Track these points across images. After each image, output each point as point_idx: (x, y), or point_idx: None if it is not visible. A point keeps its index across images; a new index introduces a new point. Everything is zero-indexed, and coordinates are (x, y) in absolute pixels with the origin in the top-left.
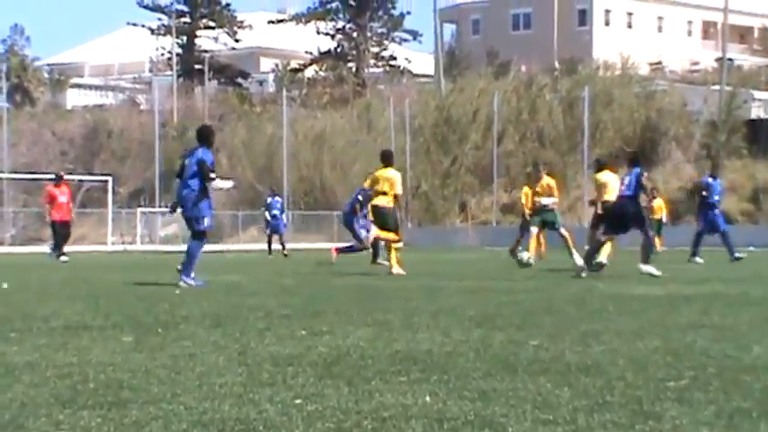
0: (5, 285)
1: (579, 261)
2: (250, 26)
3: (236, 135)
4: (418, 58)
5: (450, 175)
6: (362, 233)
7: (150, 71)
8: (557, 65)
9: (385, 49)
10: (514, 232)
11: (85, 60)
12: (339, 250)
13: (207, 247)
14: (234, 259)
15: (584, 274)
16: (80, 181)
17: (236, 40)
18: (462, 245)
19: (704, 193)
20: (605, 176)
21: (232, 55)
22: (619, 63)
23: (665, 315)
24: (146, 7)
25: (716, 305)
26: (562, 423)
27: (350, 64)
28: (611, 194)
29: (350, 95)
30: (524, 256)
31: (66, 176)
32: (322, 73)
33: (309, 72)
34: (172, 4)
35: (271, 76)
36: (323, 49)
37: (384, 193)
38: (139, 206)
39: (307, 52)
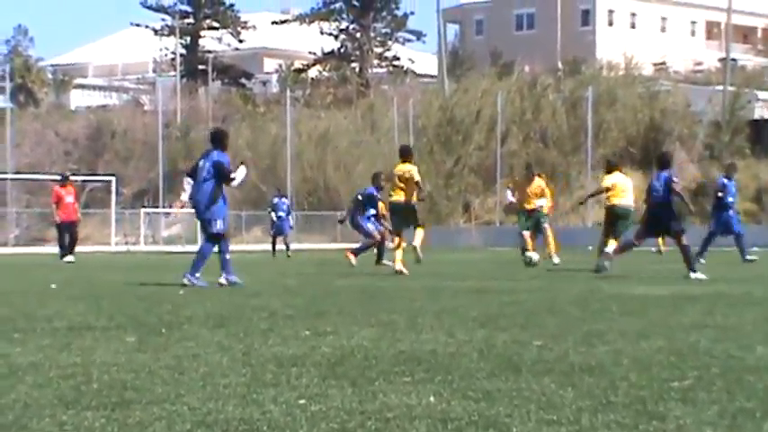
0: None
1: (535, 257)
2: (254, 27)
3: (240, 136)
4: (422, 59)
5: (453, 176)
6: (369, 228)
7: (154, 72)
8: (560, 65)
9: (388, 50)
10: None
11: (89, 61)
12: (354, 252)
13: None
14: (237, 260)
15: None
16: (83, 181)
17: (240, 41)
18: (466, 245)
19: (720, 193)
20: (613, 179)
21: (236, 55)
22: (622, 63)
23: (669, 315)
24: (149, 8)
25: (719, 305)
26: (566, 423)
27: (353, 64)
28: (620, 197)
29: (353, 96)
30: (534, 256)
31: (71, 177)
32: (325, 73)
33: (313, 72)
34: (175, 4)
35: (274, 77)
36: (326, 50)
37: (401, 189)
38: (143, 207)
39: (310, 53)
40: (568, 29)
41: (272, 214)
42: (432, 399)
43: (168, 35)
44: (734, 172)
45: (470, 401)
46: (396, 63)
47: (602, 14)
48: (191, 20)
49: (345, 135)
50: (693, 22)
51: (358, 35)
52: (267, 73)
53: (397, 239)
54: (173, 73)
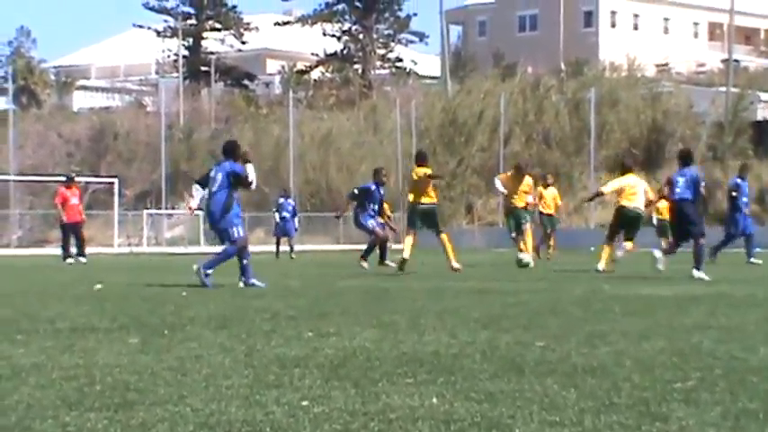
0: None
1: (526, 258)
2: (256, 28)
3: (243, 137)
4: (424, 60)
5: (456, 177)
6: (370, 225)
7: (156, 73)
8: (563, 66)
9: (391, 51)
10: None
11: (92, 62)
12: (363, 256)
13: (213, 249)
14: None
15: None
16: (86, 183)
17: (243, 42)
18: (468, 246)
19: (734, 193)
20: (623, 181)
21: (238, 57)
22: (625, 65)
23: (672, 316)
24: (152, 9)
25: (722, 306)
26: (569, 424)
27: (356, 66)
28: (629, 199)
29: (356, 97)
30: (525, 257)
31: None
32: (328, 75)
33: (316, 74)
34: (178, 6)
35: (277, 78)
36: (329, 51)
37: (420, 192)
38: (146, 208)
39: (313, 54)
40: (571, 30)
41: (276, 215)
42: (434, 400)
43: (171, 36)
44: (747, 172)
45: (473, 402)
46: (398, 64)
47: (604, 16)
48: (193, 21)
49: (348, 136)
50: (696, 24)
51: (361, 36)
52: (270, 74)
53: (410, 238)
54: (175, 74)
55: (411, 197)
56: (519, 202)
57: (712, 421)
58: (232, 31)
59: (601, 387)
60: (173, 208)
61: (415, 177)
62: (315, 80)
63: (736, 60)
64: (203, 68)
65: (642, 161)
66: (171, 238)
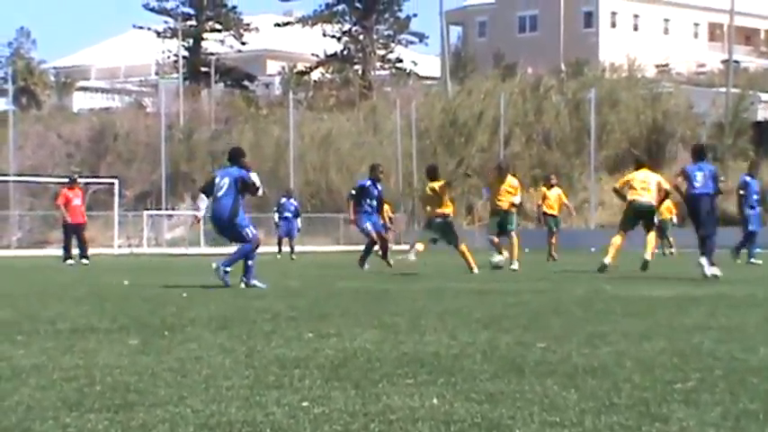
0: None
1: (497, 259)
2: (256, 29)
3: (243, 138)
4: (424, 61)
5: (456, 177)
6: (367, 227)
7: (156, 74)
8: (563, 67)
9: (391, 52)
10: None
11: (92, 63)
12: (363, 258)
13: (214, 250)
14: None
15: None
16: (86, 184)
17: (243, 43)
18: (469, 247)
19: (741, 191)
20: (635, 174)
21: (238, 58)
22: (625, 65)
23: (672, 317)
24: (152, 10)
25: (722, 307)
26: (569, 425)
27: (356, 66)
28: (638, 193)
29: (356, 98)
30: (496, 258)
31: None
32: (328, 75)
33: (316, 74)
34: (178, 6)
35: (277, 79)
36: (329, 52)
37: (435, 203)
38: (146, 209)
39: (313, 55)
40: (571, 31)
41: (276, 216)
42: (435, 401)
43: (171, 37)
44: (756, 170)
45: (473, 403)
46: (398, 65)
47: (604, 16)
48: (193, 22)
49: (348, 137)
50: (696, 24)
51: (361, 37)
52: (270, 75)
53: (420, 245)
54: (175, 75)
55: (427, 210)
56: (502, 203)
57: (713, 422)
58: (232, 32)
59: (601, 388)
60: (173, 209)
61: (428, 192)
62: (315, 81)
63: (737, 61)
64: (203, 69)
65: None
66: (171, 239)
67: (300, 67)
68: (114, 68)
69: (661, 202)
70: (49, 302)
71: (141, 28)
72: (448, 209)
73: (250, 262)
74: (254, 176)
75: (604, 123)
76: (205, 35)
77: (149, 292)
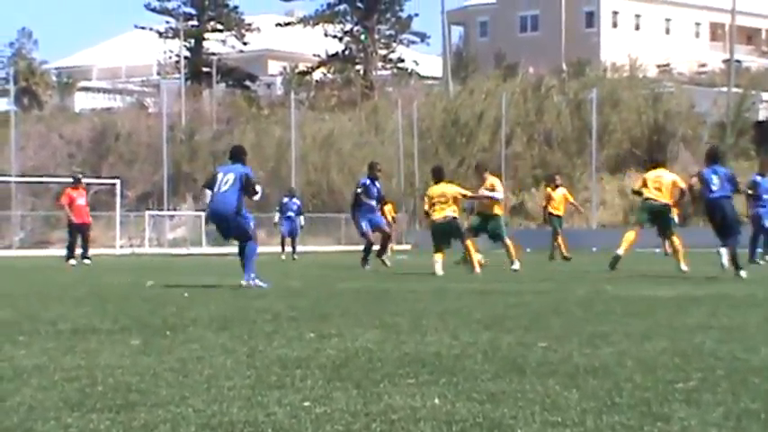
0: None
1: (515, 265)
2: (258, 29)
3: (245, 138)
4: (426, 61)
5: (457, 177)
6: (363, 228)
7: (158, 74)
8: (564, 67)
9: (393, 52)
10: (523, 234)
11: (93, 63)
12: (364, 260)
13: (214, 250)
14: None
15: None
16: (88, 184)
17: (244, 43)
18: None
19: (750, 191)
20: (649, 174)
21: (240, 58)
22: (626, 65)
23: (673, 316)
24: (153, 10)
25: (724, 307)
26: (570, 425)
27: (358, 66)
28: (651, 192)
29: (358, 98)
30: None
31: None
32: (330, 75)
33: (317, 75)
34: (179, 7)
35: (279, 79)
36: (331, 52)
37: (441, 208)
38: (148, 209)
39: (315, 55)
40: (572, 31)
41: (276, 216)
42: (436, 400)
43: (172, 38)
44: (767, 170)
45: (475, 403)
46: (400, 65)
47: (606, 16)
48: (195, 22)
49: (349, 137)
50: (697, 24)
51: (362, 37)
52: (271, 75)
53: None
54: (177, 75)
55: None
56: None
57: (714, 422)
58: (233, 32)
59: (602, 387)
60: (174, 209)
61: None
62: (316, 81)
63: (738, 61)
64: (205, 69)
65: (644, 161)
66: (173, 240)
67: (302, 67)
68: (116, 69)
69: (677, 201)
70: (51, 303)
71: (143, 28)
72: (455, 211)
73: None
74: (259, 189)
75: (606, 123)
76: (207, 35)
77: (151, 292)
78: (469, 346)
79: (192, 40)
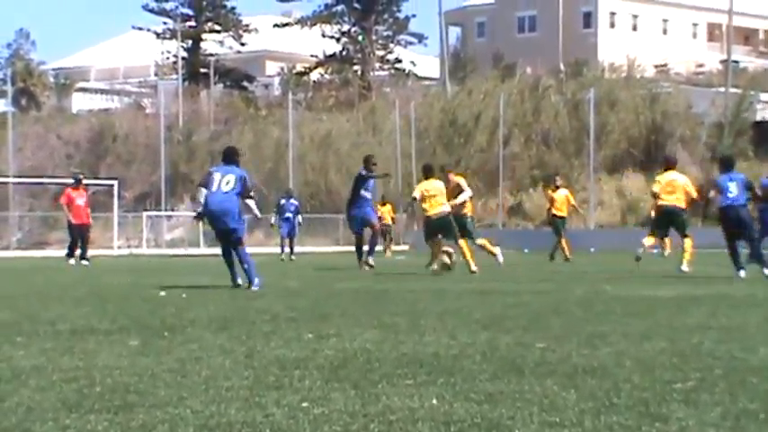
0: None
1: (473, 267)
2: (255, 30)
3: (243, 139)
4: (424, 61)
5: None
6: (356, 226)
7: (156, 75)
8: (562, 67)
9: (390, 52)
10: (521, 235)
11: (91, 64)
12: (364, 260)
13: (214, 251)
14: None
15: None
16: (86, 185)
17: (242, 44)
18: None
19: (759, 192)
20: (665, 177)
21: (238, 58)
22: (624, 65)
23: (672, 317)
24: (151, 11)
25: (723, 307)
26: (569, 425)
27: (355, 67)
28: (666, 197)
29: (355, 98)
30: (444, 259)
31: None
32: (327, 76)
33: (315, 75)
34: (177, 7)
35: (276, 80)
36: (328, 53)
37: (432, 204)
38: (145, 210)
39: (312, 56)
40: (570, 31)
41: (273, 218)
42: (434, 401)
43: (170, 38)
44: None
45: (473, 404)
46: (397, 66)
47: (603, 17)
48: (192, 23)
49: (347, 138)
50: (695, 24)
51: (360, 38)
52: (269, 76)
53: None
54: (174, 76)
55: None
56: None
57: (712, 422)
58: (231, 33)
59: (601, 388)
60: (172, 210)
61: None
62: (314, 81)
63: (735, 61)
64: (202, 70)
65: (641, 162)
66: (171, 240)
67: (299, 67)
68: (113, 69)
69: (689, 204)
70: (49, 303)
71: (140, 29)
72: (446, 207)
73: (245, 265)
74: (254, 206)
75: (603, 123)
76: (204, 36)
77: (149, 293)
78: (468, 347)
79: (190, 41)
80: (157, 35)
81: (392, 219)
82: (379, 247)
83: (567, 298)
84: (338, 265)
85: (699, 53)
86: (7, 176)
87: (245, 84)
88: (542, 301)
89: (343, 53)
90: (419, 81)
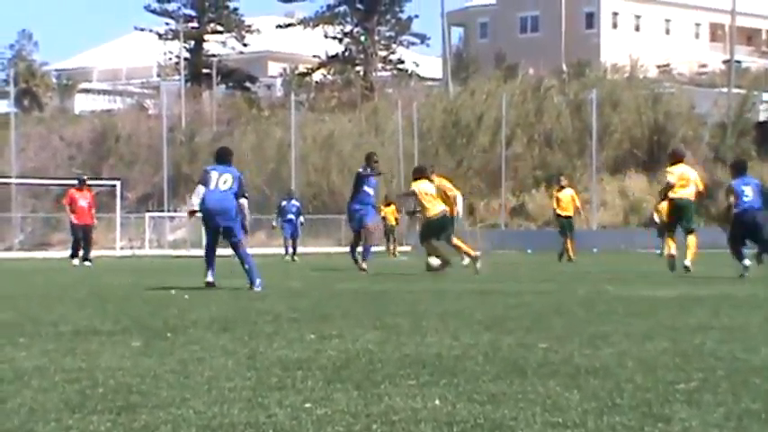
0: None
1: (465, 261)
2: (258, 30)
3: (245, 140)
4: (426, 62)
5: (457, 178)
6: (353, 225)
7: (158, 76)
8: (564, 68)
9: (393, 53)
10: (523, 235)
11: (93, 65)
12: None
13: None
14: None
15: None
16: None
17: (245, 45)
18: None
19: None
20: (676, 170)
21: (240, 59)
22: (627, 66)
23: (675, 317)
24: (153, 12)
25: (725, 307)
26: (571, 426)
27: (358, 68)
28: (678, 192)
29: (358, 99)
30: (433, 261)
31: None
32: (330, 77)
33: (317, 76)
34: (180, 8)
35: (279, 81)
36: (331, 53)
37: (428, 205)
38: (148, 211)
39: (315, 56)
40: (573, 31)
41: (274, 220)
42: (437, 402)
43: (172, 39)
44: None
45: (476, 404)
46: (400, 66)
47: (606, 17)
48: (195, 24)
49: (350, 138)
50: (697, 25)
51: (362, 38)
52: (271, 77)
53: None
54: (177, 77)
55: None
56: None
57: (715, 422)
58: (234, 34)
59: (603, 388)
60: (175, 210)
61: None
62: (316, 82)
63: (738, 61)
64: (205, 71)
65: (644, 162)
66: (173, 241)
67: (302, 68)
68: (116, 70)
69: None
70: (51, 304)
71: (143, 30)
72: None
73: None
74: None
75: (606, 124)
76: (207, 37)
77: (151, 294)
78: (470, 348)
79: (192, 42)
80: (160, 36)
81: (396, 219)
82: (382, 248)
83: (570, 298)
84: (340, 266)
85: (701, 53)
86: (10, 177)
87: (248, 84)
88: (544, 302)
89: (346, 54)
90: (421, 82)
